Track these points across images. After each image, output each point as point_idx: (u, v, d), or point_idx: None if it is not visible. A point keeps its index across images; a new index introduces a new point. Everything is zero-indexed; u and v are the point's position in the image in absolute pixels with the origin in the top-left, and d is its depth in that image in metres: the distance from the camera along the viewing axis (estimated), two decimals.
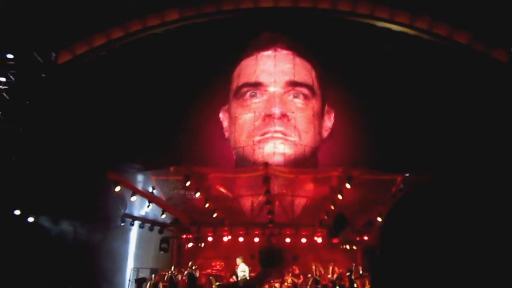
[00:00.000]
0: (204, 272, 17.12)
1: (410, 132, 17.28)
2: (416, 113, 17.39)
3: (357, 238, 18.04)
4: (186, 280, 14.93)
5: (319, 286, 15.33)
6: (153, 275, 15.48)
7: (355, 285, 14.64)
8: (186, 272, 14.79)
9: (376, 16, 18.75)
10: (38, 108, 16.53)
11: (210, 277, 16.15)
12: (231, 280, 16.74)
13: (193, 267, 15.30)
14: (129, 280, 18.43)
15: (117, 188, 14.51)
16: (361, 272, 16.16)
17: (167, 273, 15.26)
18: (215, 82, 21.42)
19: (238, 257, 15.31)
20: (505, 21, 15.87)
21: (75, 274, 14.63)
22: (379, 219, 16.33)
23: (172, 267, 15.39)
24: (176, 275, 15.05)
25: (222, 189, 18.07)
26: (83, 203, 15.90)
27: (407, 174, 14.86)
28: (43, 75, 17.13)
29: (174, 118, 19.77)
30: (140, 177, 16.71)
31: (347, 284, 15.22)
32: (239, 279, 14.88)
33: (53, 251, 14.99)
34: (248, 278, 14.75)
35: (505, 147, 14.74)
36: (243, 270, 14.94)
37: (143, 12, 18.95)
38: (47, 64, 17.27)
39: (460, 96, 16.56)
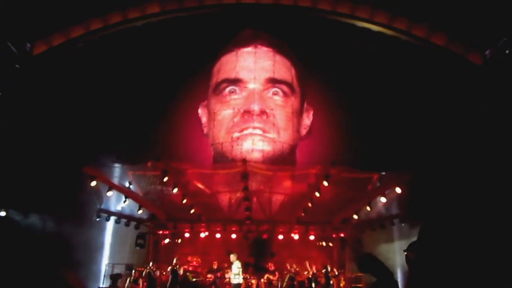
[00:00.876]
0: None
1: (388, 130, 17.54)
2: (394, 112, 17.65)
3: (333, 235, 18.24)
4: (167, 276, 14.79)
5: (295, 283, 15.43)
6: (132, 271, 15.33)
7: (331, 282, 14.80)
8: (169, 268, 14.69)
9: (356, 16, 18.91)
10: (12, 100, 16.11)
11: (187, 273, 16.08)
12: (208, 276, 16.71)
13: (178, 264, 15.15)
14: (104, 276, 18.20)
15: (93, 183, 14.29)
16: (335, 271, 16.35)
17: (144, 269, 15.13)
18: (195, 77, 21.28)
19: (232, 253, 15.33)
20: (481, 24, 16.22)
21: (48, 270, 14.35)
22: (355, 216, 16.54)
23: (150, 263, 15.26)
24: (155, 271, 14.94)
25: (200, 185, 17.98)
26: (58, 197, 15.61)
27: (383, 173, 15.08)
28: (17, 66, 16.70)
29: (153, 113, 19.56)
30: (116, 172, 16.50)
31: (323, 280, 15.37)
32: (232, 277, 14.91)
33: (24, 247, 14.65)
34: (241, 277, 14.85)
35: (476, 146, 15.10)
36: (238, 267, 14.96)
37: (124, 4, 18.65)
38: (21, 55, 16.84)
39: (438, 97, 16.87)
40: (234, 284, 14.79)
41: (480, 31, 16.58)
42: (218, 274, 16.43)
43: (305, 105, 21.58)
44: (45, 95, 16.51)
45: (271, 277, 16.47)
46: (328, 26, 19.07)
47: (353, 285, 16.50)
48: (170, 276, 14.57)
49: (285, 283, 15.53)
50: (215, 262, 17.25)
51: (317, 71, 20.59)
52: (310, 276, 15.13)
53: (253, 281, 16.19)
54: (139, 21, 18.84)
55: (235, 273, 14.91)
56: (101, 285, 17.55)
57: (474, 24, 16.52)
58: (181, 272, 14.87)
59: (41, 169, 15.35)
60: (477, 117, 15.61)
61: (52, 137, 16.08)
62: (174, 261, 14.90)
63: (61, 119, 16.53)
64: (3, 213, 15.59)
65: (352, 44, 18.78)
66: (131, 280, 14.77)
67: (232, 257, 15.08)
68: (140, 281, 14.82)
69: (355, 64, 18.62)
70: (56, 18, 17.02)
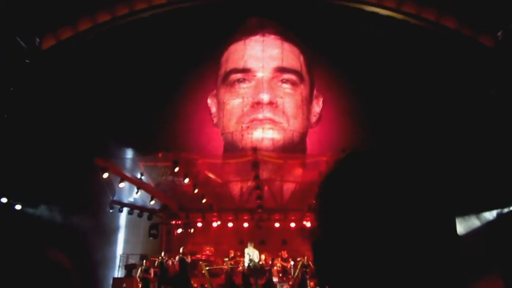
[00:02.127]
0: (193, 257, 17.19)
1: (398, 116, 17.40)
2: (405, 97, 17.48)
3: None
4: (177, 266, 14.92)
5: (307, 270, 15.49)
6: (144, 261, 15.51)
7: None
8: (177, 257, 14.81)
9: (364, 0, 18.66)
10: (22, 95, 16.26)
11: (200, 262, 16.23)
12: (223, 266, 16.85)
13: (185, 253, 15.31)
14: (119, 266, 18.47)
15: (105, 175, 14.44)
16: None
17: (157, 259, 15.30)
18: (204, 67, 21.30)
19: (249, 242, 15.61)
20: (492, 6, 15.93)
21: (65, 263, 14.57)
22: None
23: (162, 253, 15.42)
24: (167, 260, 15.09)
25: (211, 175, 18.08)
26: (72, 190, 15.80)
27: None
28: (27, 60, 16.81)
29: (162, 104, 19.66)
30: (128, 163, 16.65)
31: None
32: (249, 264, 15.09)
33: (41, 239, 14.90)
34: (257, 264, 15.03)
35: (490, 131, 14.93)
36: (248, 253, 15.21)
37: None
38: (30, 49, 16.93)
39: (449, 80, 16.67)
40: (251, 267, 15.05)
41: (491, 12, 16.29)
42: (232, 262, 16.59)
43: (315, 92, 21.47)
44: (55, 88, 16.62)
45: (284, 264, 16.56)
46: (336, 11, 18.86)
47: None
48: (179, 266, 14.71)
49: (297, 271, 15.60)
50: (231, 251, 17.38)
51: (326, 57, 20.44)
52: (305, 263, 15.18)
53: (266, 268, 16.29)
54: (146, 12, 18.80)
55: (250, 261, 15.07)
56: (116, 275, 17.82)
57: (484, 6, 16.24)
58: (189, 260, 15.07)
59: (53, 162, 15.52)
60: (488, 99, 15.41)
61: (63, 130, 16.22)
62: (181, 250, 15.06)
63: (72, 112, 16.65)
64: (18, 206, 15.86)
65: (360, 29, 18.58)
66: (143, 270, 14.94)
67: (249, 245, 15.31)
68: (152, 270, 14.99)
69: (364, 49, 18.43)
70: (63, 11, 17.06)
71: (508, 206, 14.37)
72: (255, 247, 15.47)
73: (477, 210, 14.85)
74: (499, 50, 16.40)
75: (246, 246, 15.49)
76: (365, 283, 0.96)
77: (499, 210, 14.52)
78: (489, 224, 14.64)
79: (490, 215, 14.95)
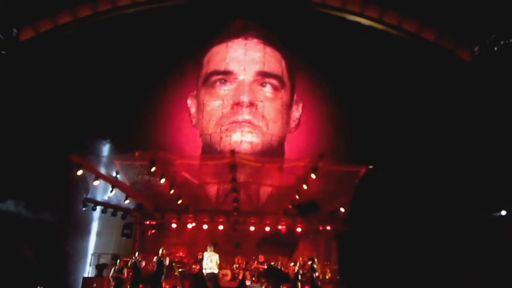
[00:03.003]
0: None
1: (377, 124, 17.63)
2: (384, 106, 17.74)
3: (320, 228, 18.34)
4: (153, 266, 14.64)
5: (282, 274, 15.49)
6: (117, 260, 15.23)
7: (317, 274, 14.86)
8: (155, 258, 14.59)
9: (347, 9, 18.86)
10: None
11: (173, 264, 16.04)
12: (193, 267, 16.71)
13: (164, 255, 15.03)
14: (90, 265, 18.12)
15: (80, 172, 14.15)
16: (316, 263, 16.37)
17: (130, 259, 15.04)
18: (185, 67, 21.20)
19: (209, 245, 15.09)
20: (471, 21, 16.32)
21: (34, 259, 14.23)
22: (342, 209, 16.63)
23: (136, 253, 15.17)
24: (140, 261, 14.86)
25: (188, 176, 17.93)
26: (45, 185, 15.47)
27: (371, 166, 15.18)
28: (3, 52, 16.41)
29: (141, 102, 19.46)
30: (104, 161, 16.38)
31: (308, 272, 15.44)
32: (205, 268, 14.58)
33: (11, 236, 14.52)
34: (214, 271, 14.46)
35: (467, 140, 15.27)
36: (209, 257, 14.67)
37: None
38: (8, 40, 16.54)
39: (427, 91, 16.99)
40: (208, 273, 14.43)
41: (469, 27, 16.69)
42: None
43: (295, 97, 21.57)
44: (32, 81, 16.27)
45: (260, 267, 16.54)
46: (318, 18, 19.03)
47: (338, 277, 16.64)
48: (156, 267, 14.50)
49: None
50: (200, 253, 17.25)
51: (307, 64, 20.60)
52: (298, 268, 15.16)
53: (240, 272, 16.25)
54: (130, 8, 18.59)
55: (208, 265, 14.56)
56: (86, 275, 17.48)
57: (464, 21, 16.62)
58: (167, 262, 14.81)
59: (27, 157, 15.18)
60: (465, 111, 15.77)
61: (38, 125, 15.88)
62: (160, 251, 14.83)
63: (48, 106, 16.31)
64: None
65: (342, 37, 18.78)
66: (116, 269, 14.67)
67: (209, 248, 14.83)
68: (125, 271, 14.72)
69: (345, 57, 18.65)
70: (43, 3, 16.73)
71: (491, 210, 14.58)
72: (215, 250, 15.03)
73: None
74: (476, 64, 16.80)
75: (206, 250, 14.95)
76: None
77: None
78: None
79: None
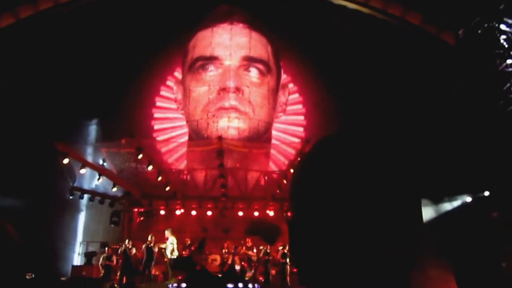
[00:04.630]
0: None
1: (365, 108, 17.72)
2: (370, 90, 17.83)
3: None
4: (142, 253, 14.63)
5: (270, 258, 15.66)
6: (106, 248, 15.23)
7: None
8: (144, 246, 14.60)
9: None
10: None
11: (162, 250, 16.08)
12: (183, 253, 16.76)
13: (152, 242, 15.02)
14: (79, 254, 18.10)
15: (66, 160, 14.05)
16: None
17: (120, 247, 15.04)
18: (170, 53, 21.02)
19: (167, 229, 14.88)
20: (454, 4, 16.40)
21: (22, 249, 14.12)
22: None
23: (126, 241, 15.15)
24: (130, 248, 14.87)
25: (175, 162, 17.93)
26: (30, 176, 15.29)
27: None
28: None
29: (126, 89, 19.28)
30: (90, 149, 16.26)
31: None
32: (166, 251, 14.36)
33: None
34: (177, 252, 14.31)
35: (448, 124, 15.45)
36: (171, 243, 14.47)
37: None
38: None
39: (412, 75, 17.10)
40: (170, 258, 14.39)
41: (453, 10, 16.77)
42: (192, 248, 16.53)
43: (281, 82, 21.56)
44: (13, 68, 15.96)
45: (249, 252, 16.65)
46: (304, 2, 18.95)
47: None
48: (145, 254, 14.55)
49: (259, 258, 15.72)
50: (187, 239, 17.32)
51: (294, 48, 20.59)
52: (285, 251, 15.34)
53: (229, 257, 16.36)
54: None
55: (169, 249, 14.42)
56: (75, 263, 17.46)
57: (447, 4, 16.69)
58: (156, 249, 14.86)
59: (10, 146, 14.96)
60: (449, 95, 15.93)
61: (21, 113, 15.64)
62: (149, 238, 14.85)
63: (31, 94, 16.05)
64: None
65: (328, 21, 18.75)
66: (105, 257, 14.69)
67: (167, 232, 14.65)
68: (114, 258, 14.75)
69: (332, 42, 18.65)
70: None
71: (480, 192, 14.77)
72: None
73: (449, 195, 15.22)
74: (460, 47, 16.93)
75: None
76: (336, 263, 1.02)
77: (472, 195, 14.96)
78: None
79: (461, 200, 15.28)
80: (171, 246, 14.25)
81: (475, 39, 15.99)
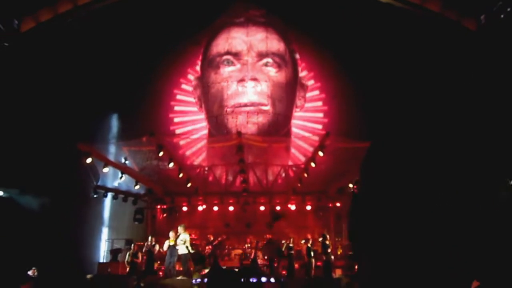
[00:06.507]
0: None
1: (386, 100, 17.49)
2: (390, 80, 17.56)
3: (330, 205, 18.41)
4: (166, 251, 14.53)
5: (292, 252, 15.66)
6: (131, 245, 15.45)
7: (328, 250, 15.00)
8: (144, 249, 14.77)
9: None
10: (1, 79, 15.87)
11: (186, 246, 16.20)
12: (206, 248, 16.92)
13: (153, 242, 15.03)
14: (104, 251, 18.43)
15: (88, 160, 14.26)
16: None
17: (144, 244, 15.22)
18: (189, 51, 21.28)
19: (180, 225, 14.40)
20: None
21: (49, 248, 14.46)
22: (351, 185, 16.66)
23: (149, 238, 15.33)
24: (154, 245, 15.06)
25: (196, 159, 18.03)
26: (55, 175, 15.60)
27: (369, 142, 15.17)
28: (5, 44, 16.37)
29: (146, 87, 19.53)
30: (111, 148, 16.47)
31: (319, 249, 15.59)
32: (178, 247, 13.57)
33: (25, 225, 14.74)
34: (190, 248, 13.87)
35: (472, 112, 15.12)
36: (182, 239, 13.60)
37: None
38: (9, 32, 16.48)
39: (433, 63, 16.77)
40: (180, 254, 13.77)
41: None
42: (216, 242, 16.70)
43: (300, 75, 21.45)
44: (35, 72, 16.28)
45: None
46: None
47: (349, 253, 16.77)
48: (146, 257, 14.66)
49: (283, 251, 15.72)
50: (210, 235, 17.50)
51: (313, 40, 20.48)
52: (309, 245, 15.30)
53: (252, 251, 16.44)
54: None
55: (180, 245, 13.56)
56: (101, 260, 17.79)
57: None
58: (155, 251, 15.08)
59: (35, 147, 15.30)
60: (471, 83, 15.56)
61: (44, 115, 15.96)
62: (149, 240, 14.93)
63: (52, 96, 16.36)
64: (0, 193, 15.62)
65: (346, 11, 18.50)
66: (131, 254, 14.91)
67: (180, 229, 13.81)
68: (140, 255, 14.97)
69: (350, 32, 18.42)
70: None
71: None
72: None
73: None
74: (482, 34, 16.47)
75: (177, 231, 13.70)
76: None
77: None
78: None
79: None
80: (181, 242, 13.64)
81: (498, 24, 15.54)
